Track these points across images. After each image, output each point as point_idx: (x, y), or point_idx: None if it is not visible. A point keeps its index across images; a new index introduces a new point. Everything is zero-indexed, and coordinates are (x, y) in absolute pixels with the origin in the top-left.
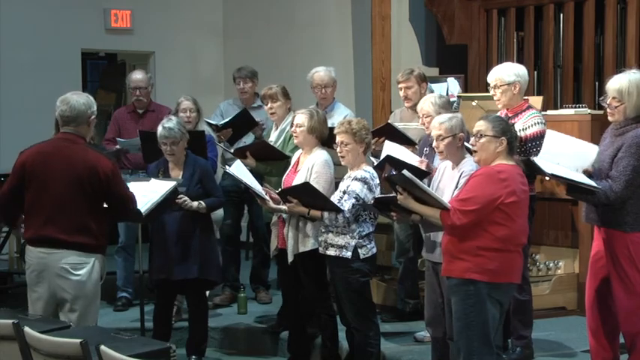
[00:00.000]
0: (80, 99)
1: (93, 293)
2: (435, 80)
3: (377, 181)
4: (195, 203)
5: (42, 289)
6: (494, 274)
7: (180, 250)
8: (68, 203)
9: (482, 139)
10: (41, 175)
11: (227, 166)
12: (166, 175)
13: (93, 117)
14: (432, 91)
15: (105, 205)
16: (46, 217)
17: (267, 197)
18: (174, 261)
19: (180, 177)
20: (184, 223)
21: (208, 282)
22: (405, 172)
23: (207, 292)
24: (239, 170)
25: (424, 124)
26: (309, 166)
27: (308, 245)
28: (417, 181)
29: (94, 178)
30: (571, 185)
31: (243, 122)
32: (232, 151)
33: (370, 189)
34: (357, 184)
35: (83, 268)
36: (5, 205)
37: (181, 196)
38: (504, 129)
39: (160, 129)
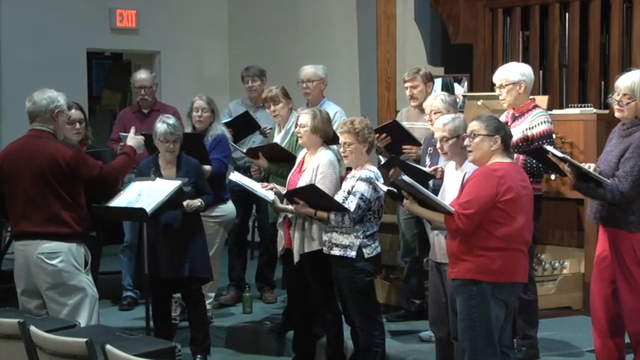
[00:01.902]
0: (43, 95)
1: (75, 282)
2: None
3: (382, 180)
4: (197, 202)
5: (25, 281)
6: (497, 274)
7: (172, 249)
8: (36, 196)
9: (476, 139)
10: (12, 173)
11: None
12: (159, 174)
13: (57, 111)
14: None
15: (81, 192)
16: (20, 212)
17: (271, 199)
18: (166, 260)
19: (173, 176)
20: (176, 222)
21: (200, 279)
22: (404, 177)
23: (213, 294)
24: (239, 178)
25: (431, 121)
26: (315, 167)
27: (314, 245)
28: (418, 186)
29: (55, 167)
30: (580, 175)
31: (244, 124)
32: (245, 151)
33: (375, 188)
34: (362, 184)
35: (58, 256)
36: None
37: (186, 202)
38: (497, 127)
39: (163, 127)
